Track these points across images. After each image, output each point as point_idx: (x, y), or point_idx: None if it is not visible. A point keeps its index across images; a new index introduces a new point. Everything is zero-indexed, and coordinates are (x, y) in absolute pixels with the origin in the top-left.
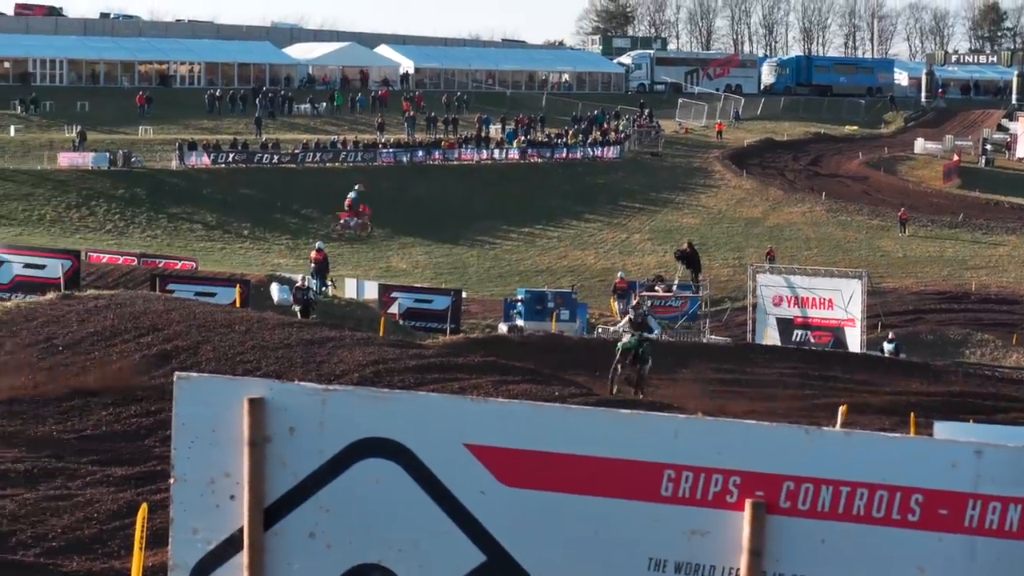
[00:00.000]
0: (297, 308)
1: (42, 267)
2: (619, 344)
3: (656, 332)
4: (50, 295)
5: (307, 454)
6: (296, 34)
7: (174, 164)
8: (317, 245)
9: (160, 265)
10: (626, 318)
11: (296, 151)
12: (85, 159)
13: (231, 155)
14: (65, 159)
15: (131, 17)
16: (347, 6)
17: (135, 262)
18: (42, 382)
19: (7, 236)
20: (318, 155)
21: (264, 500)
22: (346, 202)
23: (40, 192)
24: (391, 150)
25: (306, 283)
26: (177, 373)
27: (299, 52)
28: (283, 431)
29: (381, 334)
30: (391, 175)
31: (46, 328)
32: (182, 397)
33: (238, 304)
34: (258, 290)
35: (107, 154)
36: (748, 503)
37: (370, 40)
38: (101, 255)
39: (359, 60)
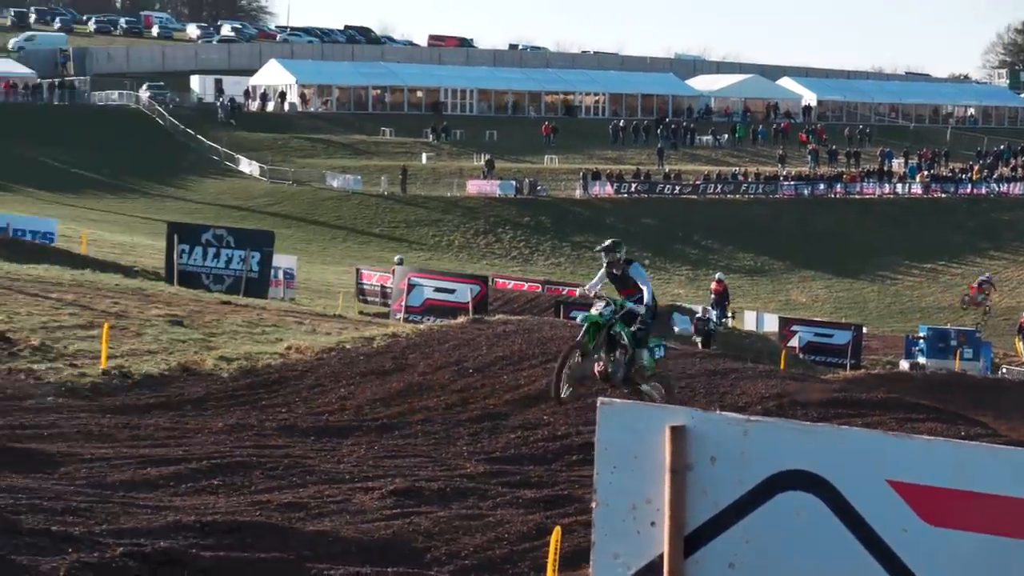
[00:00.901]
0: (698, 338)
1: (452, 291)
2: (586, 316)
3: (647, 289)
4: (461, 319)
5: (728, 483)
6: (699, 66)
7: (578, 193)
8: (717, 276)
9: (563, 292)
10: (602, 270)
11: (697, 182)
12: (493, 187)
13: (633, 185)
14: (474, 187)
15: (538, 48)
16: (750, 39)
17: (539, 289)
18: (454, 403)
19: (418, 260)
20: (719, 186)
21: (684, 528)
22: (977, 280)
23: (449, 218)
24: (792, 182)
25: (707, 314)
26: (601, 399)
27: (701, 84)
28: (704, 459)
29: (782, 367)
30: (791, 207)
31: (457, 351)
32: (605, 423)
33: None
34: (659, 320)
35: (513, 182)
36: None
37: (772, 72)
38: (506, 281)
39: (761, 92)
